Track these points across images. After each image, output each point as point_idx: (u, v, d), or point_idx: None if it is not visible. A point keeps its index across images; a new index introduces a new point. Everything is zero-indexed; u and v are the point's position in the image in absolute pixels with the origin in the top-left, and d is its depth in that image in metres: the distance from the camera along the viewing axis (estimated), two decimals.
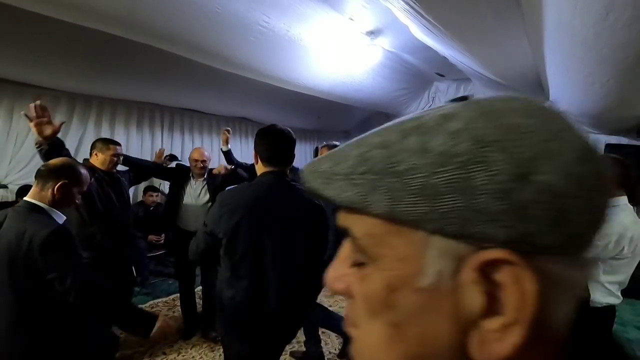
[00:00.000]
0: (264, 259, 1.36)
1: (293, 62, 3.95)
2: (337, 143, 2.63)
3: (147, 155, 4.66)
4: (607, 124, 4.38)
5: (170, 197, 3.01)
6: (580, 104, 3.64)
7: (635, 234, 1.52)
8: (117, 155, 2.41)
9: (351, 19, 3.42)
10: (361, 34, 3.75)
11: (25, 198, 1.37)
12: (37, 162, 3.68)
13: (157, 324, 1.29)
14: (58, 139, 1.91)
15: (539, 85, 4.29)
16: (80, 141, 4.04)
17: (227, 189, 1.49)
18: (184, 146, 5.21)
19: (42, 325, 1.24)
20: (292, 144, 1.43)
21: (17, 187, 3.46)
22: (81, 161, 2.08)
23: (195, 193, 2.95)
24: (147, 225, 4.20)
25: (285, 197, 1.39)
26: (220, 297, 1.41)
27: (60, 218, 1.40)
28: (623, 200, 1.56)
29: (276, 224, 1.36)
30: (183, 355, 2.65)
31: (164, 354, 2.66)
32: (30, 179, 3.56)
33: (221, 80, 4.12)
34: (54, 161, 1.44)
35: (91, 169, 2.26)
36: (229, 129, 3.30)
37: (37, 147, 1.83)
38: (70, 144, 3.94)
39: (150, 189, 4.51)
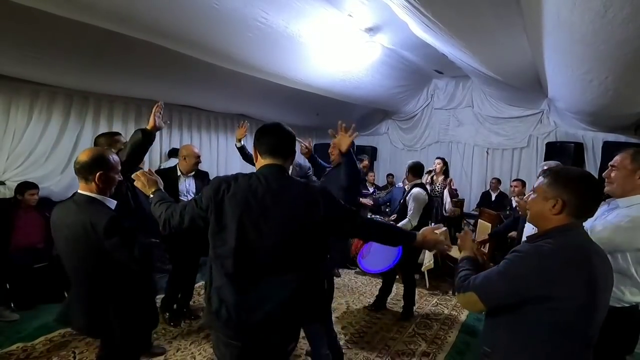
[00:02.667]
0: (257, 255, 1.29)
1: (292, 59, 3.95)
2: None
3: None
4: (605, 121, 4.40)
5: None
6: (578, 101, 3.65)
7: None
8: (124, 144, 2.43)
9: (350, 16, 3.41)
10: (360, 31, 3.74)
11: (79, 191, 1.57)
12: (35, 158, 3.70)
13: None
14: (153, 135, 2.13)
15: (538, 83, 4.30)
16: (77, 138, 4.03)
17: (221, 176, 1.43)
18: (182, 143, 5.20)
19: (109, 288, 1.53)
20: (292, 138, 1.44)
21: (14, 184, 3.44)
22: None
23: (192, 189, 3.07)
24: None
25: (283, 189, 1.33)
26: (212, 296, 1.34)
27: (112, 203, 1.61)
28: None
29: (271, 218, 1.29)
30: (182, 352, 2.65)
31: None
32: (29, 176, 3.59)
33: (219, 77, 4.11)
34: (82, 157, 1.55)
35: None
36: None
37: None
38: (67, 141, 3.94)
39: None
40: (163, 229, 1.48)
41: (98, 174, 1.52)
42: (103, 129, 4.23)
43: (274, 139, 1.41)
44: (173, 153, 3.31)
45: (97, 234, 1.43)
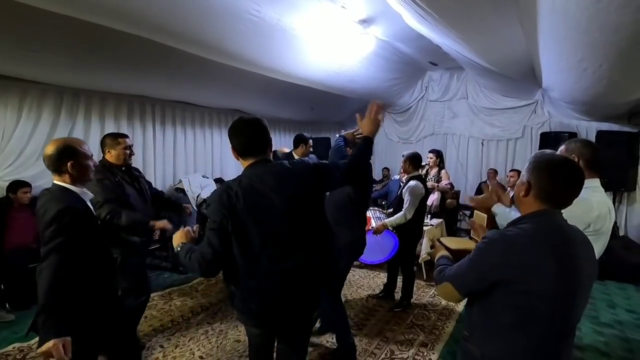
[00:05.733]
0: (277, 245, 1.39)
1: (285, 52, 3.90)
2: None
3: (139, 149, 4.60)
4: (599, 110, 4.41)
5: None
6: (572, 90, 3.65)
7: (601, 214, 1.60)
8: (129, 147, 2.39)
9: (343, 7, 3.36)
10: (354, 23, 3.70)
11: (54, 181, 1.51)
12: (26, 157, 3.65)
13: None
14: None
15: (532, 73, 4.30)
16: (69, 136, 3.96)
17: (215, 191, 1.44)
18: (176, 139, 5.15)
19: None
20: (262, 132, 1.45)
21: (6, 183, 3.39)
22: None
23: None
24: None
25: (278, 180, 1.40)
26: (246, 297, 1.45)
27: (87, 195, 1.56)
28: (595, 182, 1.65)
29: (278, 210, 1.38)
30: (181, 348, 2.65)
31: (162, 347, 2.65)
32: (20, 175, 3.53)
33: (212, 72, 4.06)
34: (48, 150, 1.48)
35: (109, 169, 2.27)
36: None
37: None
38: None
39: None
40: (203, 272, 1.40)
41: (69, 164, 1.47)
42: (95, 126, 4.17)
43: (245, 139, 1.44)
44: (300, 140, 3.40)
45: (47, 218, 1.38)
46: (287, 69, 4.28)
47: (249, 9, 2.94)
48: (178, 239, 1.50)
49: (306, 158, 3.60)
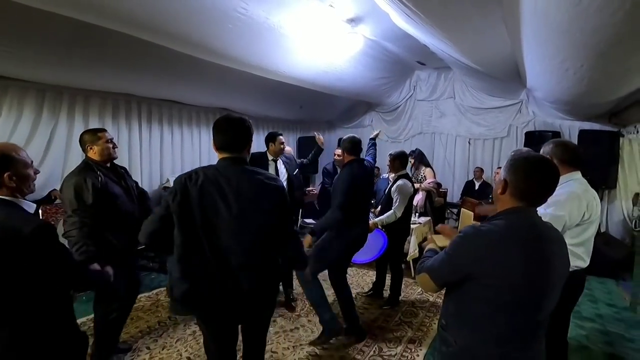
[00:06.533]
0: (215, 240, 1.43)
1: (273, 51, 3.89)
2: (355, 135, 2.85)
3: (124, 149, 4.52)
4: (581, 110, 4.52)
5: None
6: (555, 90, 3.74)
7: (589, 202, 1.73)
8: (110, 140, 2.30)
9: (331, 6, 3.37)
10: (342, 22, 3.71)
11: None
12: None
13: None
14: None
15: (516, 73, 4.38)
16: (51, 135, 3.87)
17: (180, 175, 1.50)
18: (163, 138, 5.08)
19: (19, 319, 1.24)
20: (243, 130, 1.51)
21: None
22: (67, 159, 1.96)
23: (282, 170, 3.42)
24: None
25: (237, 179, 1.45)
26: (174, 279, 1.49)
27: (31, 207, 1.36)
28: (575, 175, 1.80)
29: (227, 207, 1.42)
30: (168, 350, 2.62)
31: (148, 348, 2.62)
32: None
33: (200, 70, 4.01)
34: None
35: (92, 168, 2.17)
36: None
37: None
38: (40, 139, 3.77)
39: None
40: (140, 234, 1.49)
41: (6, 175, 1.25)
42: (79, 125, 4.08)
43: (224, 136, 1.50)
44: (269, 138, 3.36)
45: (19, 240, 1.17)
46: (275, 68, 4.26)
47: (236, 7, 2.92)
48: None
49: (289, 155, 3.60)
